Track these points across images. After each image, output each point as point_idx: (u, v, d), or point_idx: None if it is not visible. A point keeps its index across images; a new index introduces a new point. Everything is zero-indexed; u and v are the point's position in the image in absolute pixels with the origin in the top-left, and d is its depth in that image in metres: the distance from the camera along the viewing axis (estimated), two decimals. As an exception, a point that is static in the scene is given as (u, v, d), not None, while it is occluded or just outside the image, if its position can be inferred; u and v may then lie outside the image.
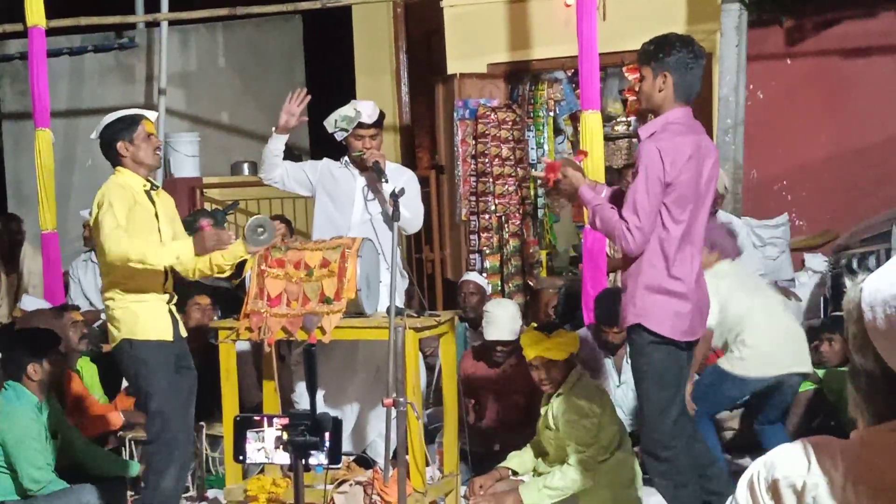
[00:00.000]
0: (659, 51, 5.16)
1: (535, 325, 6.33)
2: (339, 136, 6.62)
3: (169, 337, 5.82)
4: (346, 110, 6.59)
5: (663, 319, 5.12)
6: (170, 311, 5.87)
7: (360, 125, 6.57)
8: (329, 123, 6.61)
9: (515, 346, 7.06)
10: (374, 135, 6.61)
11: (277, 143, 6.64)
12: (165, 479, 5.76)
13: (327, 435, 3.22)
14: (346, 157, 6.73)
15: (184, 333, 5.96)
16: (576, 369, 5.98)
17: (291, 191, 6.84)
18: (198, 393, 6.09)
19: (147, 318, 5.77)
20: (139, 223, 5.72)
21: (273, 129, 6.67)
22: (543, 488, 5.91)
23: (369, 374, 6.68)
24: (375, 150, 6.56)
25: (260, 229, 5.86)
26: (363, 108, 6.62)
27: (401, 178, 6.52)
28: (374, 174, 6.45)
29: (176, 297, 6.00)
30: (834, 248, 8.94)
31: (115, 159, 5.86)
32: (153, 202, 5.88)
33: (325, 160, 6.86)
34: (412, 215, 6.46)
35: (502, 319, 7.02)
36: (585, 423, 5.82)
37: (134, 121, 5.89)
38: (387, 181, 6.33)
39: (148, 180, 5.92)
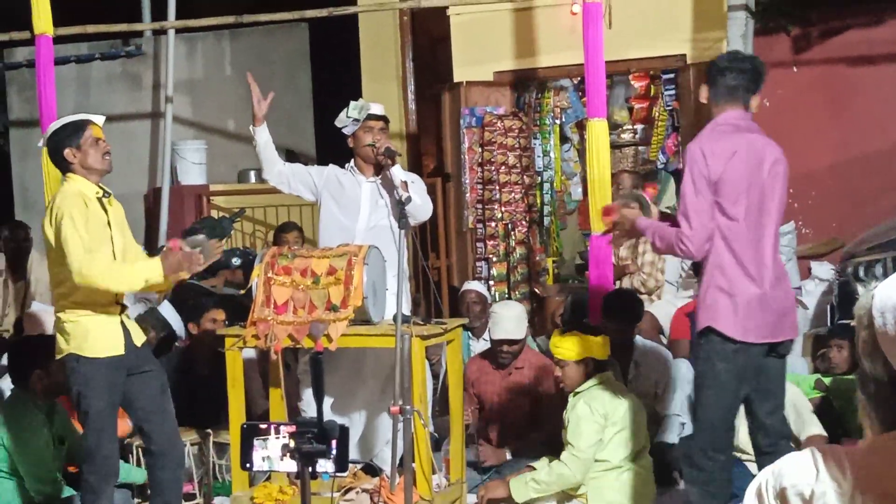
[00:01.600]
0: (708, 69, 5.46)
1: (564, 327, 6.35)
2: (349, 130, 6.70)
3: (120, 350, 5.67)
4: (357, 103, 6.71)
5: (731, 322, 5.14)
6: (122, 322, 5.74)
7: (371, 116, 6.66)
8: (340, 119, 6.68)
9: (521, 347, 7.07)
10: (383, 128, 6.72)
11: (260, 135, 6.70)
12: (101, 500, 5.65)
13: (334, 443, 3.22)
14: (352, 163, 6.77)
15: (139, 343, 5.80)
16: (602, 374, 5.97)
17: (297, 193, 6.87)
18: (205, 400, 6.10)
19: (97, 334, 5.63)
20: (92, 232, 5.57)
21: (251, 127, 6.75)
22: (531, 481, 5.96)
23: (377, 383, 6.67)
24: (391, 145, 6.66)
25: (197, 249, 5.78)
26: (372, 104, 6.77)
27: (407, 177, 6.59)
28: (385, 160, 6.52)
29: (128, 308, 5.92)
30: (841, 255, 8.93)
31: (64, 167, 5.73)
32: (105, 210, 5.73)
33: (331, 166, 6.90)
34: (422, 201, 6.48)
35: (508, 319, 7.06)
36: (586, 427, 5.82)
37: (80, 126, 5.77)
38: (394, 159, 6.49)
39: (100, 187, 5.77)
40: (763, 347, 5.23)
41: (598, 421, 5.83)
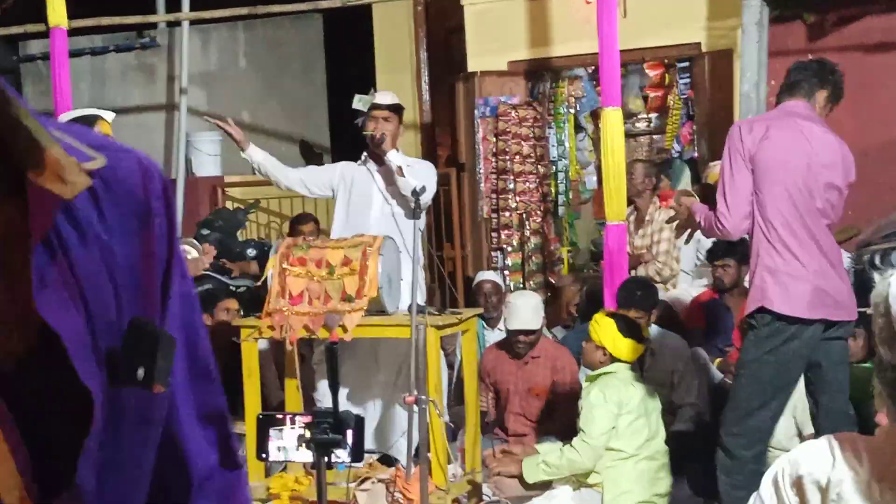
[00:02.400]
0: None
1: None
2: (360, 121, 6.78)
3: None
4: (362, 96, 6.81)
5: (780, 299, 5.12)
6: None
7: (375, 106, 6.70)
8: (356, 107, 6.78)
9: (537, 337, 7.05)
10: (388, 117, 6.76)
11: (254, 156, 6.77)
12: None
13: (350, 433, 3.22)
14: (365, 154, 6.80)
15: None
16: (618, 363, 5.96)
17: (319, 196, 6.96)
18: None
19: None
20: None
21: (241, 154, 6.80)
22: (542, 463, 5.98)
23: (392, 373, 6.68)
24: (387, 133, 6.68)
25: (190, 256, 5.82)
26: (380, 93, 6.85)
27: (417, 164, 6.65)
28: (377, 147, 6.62)
29: None
30: (857, 244, 8.89)
31: None
32: None
33: (343, 162, 6.97)
34: (419, 183, 6.42)
35: (525, 309, 7.03)
36: (598, 414, 5.82)
37: (89, 121, 5.74)
38: (382, 145, 6.56)
39: None
40: (818, 328, 5.19)
41: (612, 409, 5.83)
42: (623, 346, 5.92)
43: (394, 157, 6.55)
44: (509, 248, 10.03)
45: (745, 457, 5.22)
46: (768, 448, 5.47)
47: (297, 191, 7.00)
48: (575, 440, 5.90)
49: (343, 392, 6.52)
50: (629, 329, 5.99)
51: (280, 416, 3.44)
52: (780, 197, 5.11)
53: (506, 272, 9.83)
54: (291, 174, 6.86)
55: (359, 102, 6.71)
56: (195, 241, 6.22)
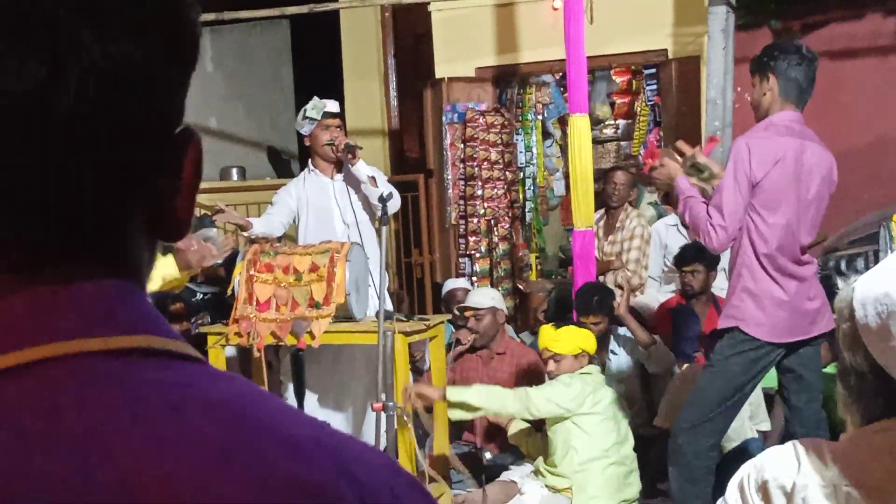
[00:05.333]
0: (762, 56, 5.21)
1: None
2: (306, 130, 6.79)
3: None
4: (314, 102, 6.79)
5: (758, 323, 5.12)
6: None
7: (326, 115, 6.74)
8: (299, 123, 6.79)
9: (491, 322, 7.06)
10: (339, 125, 6.82)
11: (257, 228, 6.72)
12: None
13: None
14: (310, 165, 6.86)
15: None
16: (590, 366, 5.95)
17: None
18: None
19: None
20: None
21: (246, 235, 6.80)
22: (470, 391, 5.70)
23: (363, 380, 6.67)
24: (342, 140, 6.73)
25: (209, 242, 5.82)
26: (327, 101, 6.86)
27: (370, 171, 6.66)
28: (346, 156, 6.62)
29: None
30: (822, 249, 8.95)
31: None
32: None
33: (292, 182, 7.02)
34: (392, 194, 6.45)
35: (479, 292, 7.31)
36: (561, 387, 5.75)
37: None
38: (355, 153, 6.54)
39: None
40: (792, 344, 5.23)
41: (574, 390, 5.74)
42: (587, 337, 5.93)
43: (362, 167, 6.55)
44: (477, 255, 10.03)
45: (698, 451, 5.24)
46: (718, 445, 5.51)
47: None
48: (529, 389, 5.80)
49: (314, 399, 6.52)
50: (576, 324, 6.04)
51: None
52: (778, 226, 5.11)
53: (474, 278, 9.83)
54: (276, 226, 6.83)
55: (313, 110, 6.71)
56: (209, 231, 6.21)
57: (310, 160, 6.91)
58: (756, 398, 6.52)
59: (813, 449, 1.86)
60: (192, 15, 0.90)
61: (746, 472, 1.92)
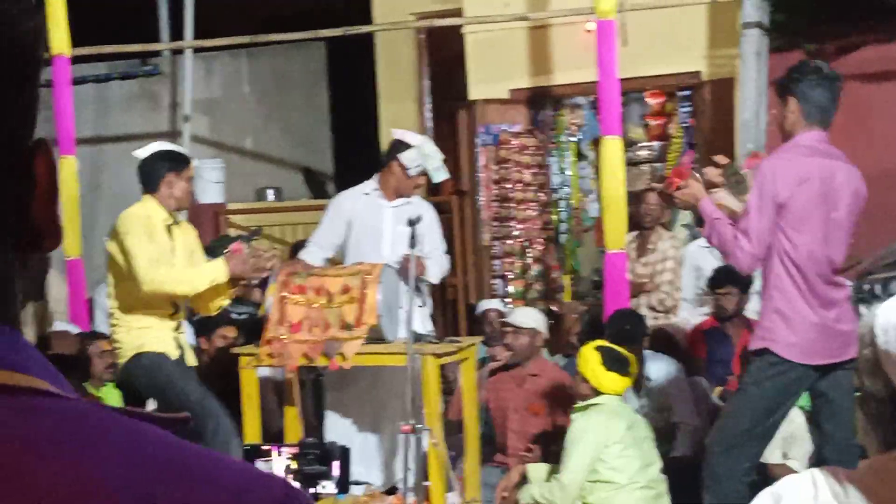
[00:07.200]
0: (783, 78, 5.26)
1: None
2: (415, 166, 6.66)
3: (175, 356, 5.90)
4: (438, 155, 6.75)
5: (789, 344, 5.11)
6: (175, 338, 5.93)
7: (424, 172, 6.74)
8: (410, 157, 6.66)
9: (530, 343, 7.03)
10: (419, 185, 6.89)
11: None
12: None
13: (335, 464, 3.23)
14: (376, 183, 6.77)
15: (191, 363, 6.01)
16: (602, 397, 5.92)
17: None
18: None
19: (154, 337, 5.86)
20: (157, 246, 5.84)
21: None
22: (529, 495, 5.92)
23: (399, 403, 6.66)
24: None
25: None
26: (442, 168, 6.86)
27: (424, 212, 6.60)
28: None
29: (183, 328, 6.08)
30: (857, 273, 8.89)
31: (151, 184, 5.95)
32: (172, 237, 5.96)
33: (339, 198, 6.96)
34: (440, 272, 6.65)
35: (523, 311, 7.37)
36: (575, 452, 5.77)
37: (186, 160, 6.13)
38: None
39: (171, 215, 6.01)
40: (824, 367, 5.21)
41: (590, 445, 5.78)
42: (606, 380, 5.88)
43: (432, 274, 6.65)
44: (511, 276, 10.04)
45: (731, 475, 5.21)
46: (754, 468, 5.48)
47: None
48: (553, 479, 5.89)
49: (346, 421, 6.55)
50: (614, 362, 5.94)
51: (266, 447, 3.45)
52: (806, 246, 5.10)
53: (507, 300, 9.83)
54: (317, 257, 6.79)
55: (433, 162, 6.68)
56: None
57: (377, 177, 6.83)
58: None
59: (831, 476, 1.86)
60: (22, 26, 0.89)
61: (763, 500, 1.92)
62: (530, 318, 7.16)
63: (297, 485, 0.93)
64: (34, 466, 0.81)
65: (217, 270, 5.83)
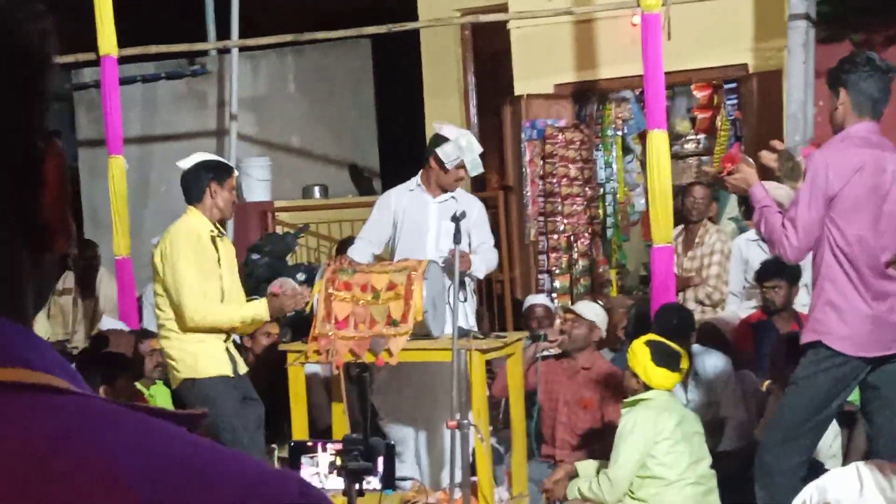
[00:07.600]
0: (834, 69, 5.20)
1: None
2: (452, 158, 6.60)
3: (229, 373, 5.97)
4: (475, 146, 6.67)
5: (842, 336, 5.09)
6: (227, 349, 5.98)
7: (462, 165, 6.68)
8: (447, 151, 6.59)
9: (586, 335, 6.99)
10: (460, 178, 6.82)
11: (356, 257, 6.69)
12: None
13: (380, 460, 3.24)
14: (420, 179, 6.75)
15: (243, 370, 6.08)
16: (651, 392, 5.90)
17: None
18: (270, 415, 6.17)
19: (205, 357, 5.92)
20: (202, 268, 5.90)
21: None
22: (578, 490, 5.91)
23: (445, 398, 6.67)
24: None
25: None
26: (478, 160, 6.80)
27: (471, 206, 6.58)
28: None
29: (233, 337, 6.14)
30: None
31: (195, 195, 6.01)
32: (217, 248, 6.02)
33: (386, 194, 6.96)
34: (487, 268, 6.70)
35: (588, 304, 7.30)
36: (624, 448, 5.74)
37: (230, 169, 6.20)
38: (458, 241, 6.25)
39: (216, 226, 6.07)
40: (877, 359, 5.18)
41: (639, 441, 5.76)
42: (655, 375, 5.86)
43: (477, 269, 6.61)
44: (557, 271, 10.03)
45: (784, 470, 5.18)
46: (807, 463, 5.44)
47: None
48: (601, 474, 5.86)
49: (393, 418, 6.57)
50: (664, 358, 5.91)
51: (311, 444, 3.47)
52: (856, 237, 5.06)
53: (553, 295, 9.82)
54: (365, 253, 6.78)
55: (470, 153, 6.61)
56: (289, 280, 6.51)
57: (421, 174, 6.82)
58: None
59: (876, 470, 1.86)
60: (28, 29, 0.90)
61: (809, 494, 1.91)
62: (593, 311, 7.13)
63: (329, 483, 0.92)
64: (50, 462, 0.82)
65: (259, 311, 5.96)
